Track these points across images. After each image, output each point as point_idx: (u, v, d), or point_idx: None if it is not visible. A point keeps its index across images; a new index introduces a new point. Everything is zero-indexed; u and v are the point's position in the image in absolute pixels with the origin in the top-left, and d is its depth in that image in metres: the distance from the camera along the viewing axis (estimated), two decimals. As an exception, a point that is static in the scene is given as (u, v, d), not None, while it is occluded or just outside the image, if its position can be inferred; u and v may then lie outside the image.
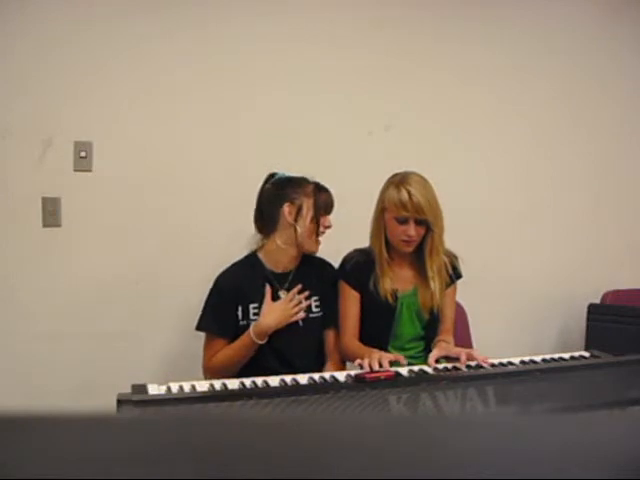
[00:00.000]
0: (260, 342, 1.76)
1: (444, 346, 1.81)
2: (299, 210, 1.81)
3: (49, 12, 2.13)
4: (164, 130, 2.26)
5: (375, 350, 1.74)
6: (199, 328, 1.84)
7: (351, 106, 2.46)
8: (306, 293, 1.84)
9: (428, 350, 1.91)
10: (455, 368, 1.71)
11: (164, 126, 2.26)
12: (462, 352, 1.71)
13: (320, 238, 1.86)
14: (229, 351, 1.79)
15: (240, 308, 1.82)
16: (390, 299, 1.86)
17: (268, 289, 1.81)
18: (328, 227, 1.86)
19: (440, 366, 1.72)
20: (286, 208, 1.81)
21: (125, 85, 2.22)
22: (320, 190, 1.86)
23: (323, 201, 1.84)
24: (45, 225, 2.16)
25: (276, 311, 1.79)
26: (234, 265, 1.90)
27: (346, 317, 1.91)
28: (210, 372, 1.81)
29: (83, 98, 2.18)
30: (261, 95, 2.35)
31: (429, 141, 2.56)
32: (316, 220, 1.82)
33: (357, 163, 2.45)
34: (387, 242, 1.88)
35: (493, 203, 2.67)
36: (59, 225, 2.17)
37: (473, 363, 1.73)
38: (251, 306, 1.82)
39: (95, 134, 2.19)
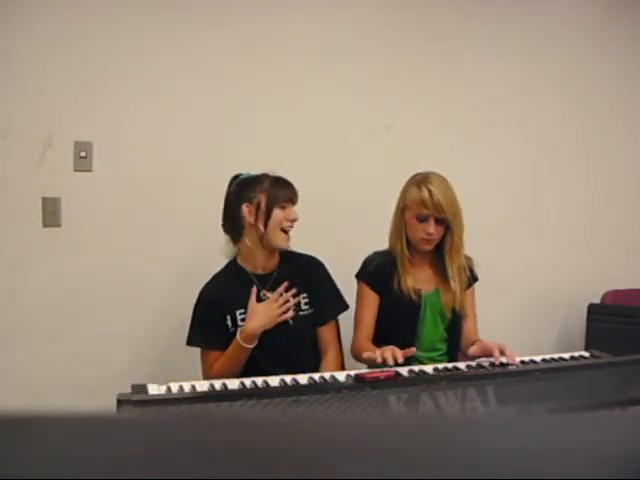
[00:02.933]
0: (249, 346, 1.74)
1: (482, 345, 1.80)
2: (257, 208, 1.79)
3: (49, 12, 2.13)
4: (164, 130, 2.26)
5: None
6: (190, 343, 1.83)
7: (351, 106, 2.46)
8: (293, 291, 1.80)
9: (450, 353, 1.93)
10: (455, 368, 1.71)
11: (164, 126, 2.26)
12: (495, 348, 1.71)
13: (288, 232, 1.81)
14: (223, 360, 1.78)
15: (229, 317, 1.81)
16: (414, 297, 1.86)
17: (253, 290, 1.78)
18: (293, 220, 1.81)
19: (440, 366, 1.73)
20: (245, 208, 1.80)
21: (125, 85, 2.22)
22: (277, 183, 1.82)
23: (280, 194, 1.80)
24: (45, 225, 2.16)
25: (260, 313, 1.76)
26: (215, 276, 1.89)
27: (362, 318, 1.91)
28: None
29: (83, 98, 2.18)
30: (261, 95, 2.35)
31: (429, 141, 2.56)
32: (268, 214, 1.78)
33: (357, 163, 2.45)
34: (407, 242, 1.89)
35: (493, 203, 2.67)
36: (59, 225, 2.17)
37: (474, 363, 1.73)
38: (237, 312, 1.81)
39: (95, 134, 2.19)
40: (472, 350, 1.78)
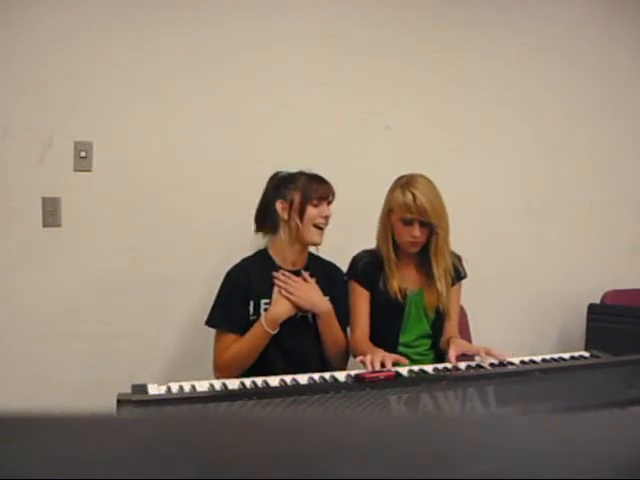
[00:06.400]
0: (272, 332, 1.77)
1: (460, 343, 1.83)
2: (291, 205, 1.83)
3: (50, 13, 2.13)
4: (164, 130, 2.26)
5: (379, 350, 1.75)
6: (209, 323, 1.83)
7: (351, 106, 2.46)
8: (314, 280, 1.85)
9: (435, 348, 1.96)
10: (455, 368, 1.71)
11: (164, 126, 2.26)
12: (480, 349, 1.73)
13: (322, 229, 1.84)
14: (241, 344, 1.79)
15: (252, 303, 1.83)
16: (399, 298, 1.90)
17: (279, 276, 1.82)
18: (326, 217, 1.84)
19: (440, 366, 1.73)
20: (279, 205, 1.84)
21: (125, 85, 2.21)
22: (312, 180, 1.85)
23: (314, 191, 1.83)
24: (45, 225, 2.16)
25: (286, 299, 1.79)
26: (245, 260, 1.91)
27: (357, 315, 1.94)
28: (221, 369, 1.79)
29: (83, 98, 2.18)
30: (261, 95, 2.35)
31: (429, 142, 2.56)
32: (301, 211, 1.81)
33: (357, 163, 2.45)
34: (394, 243, 1.92)
35: (493, 203, 2.67)
36: (59, 225, 2.17)
37: (473, 363, 1.73)
38: (262, 301, 1.82)
39: (95, 134, 2.19)
40: (450, 354, 1.75)
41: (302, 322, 1.84)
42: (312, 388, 1.51)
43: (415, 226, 1.83)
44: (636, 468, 0.26)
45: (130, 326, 2.24)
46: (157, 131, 2.25)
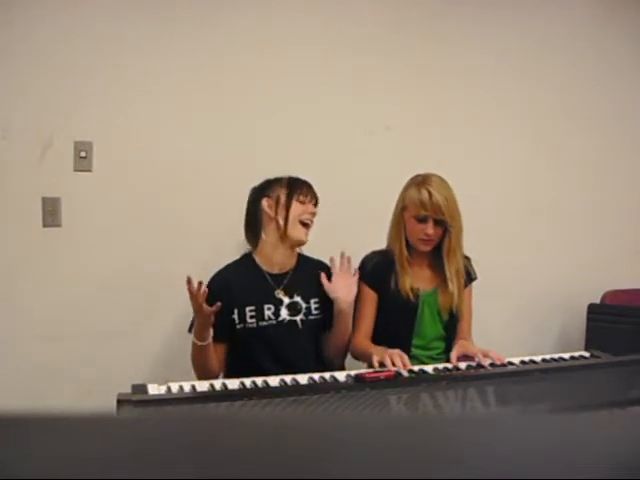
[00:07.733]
0: (201, 343, 1.71)
1: (463, 344, 1.83)
2: (277, 202, 1.83)
3: (49, 13, 2.13)
4: (164, 130, 2.26)
5: (383, 348, 1.75)
6: (191, 330, 1.81)
7: (351, 106, 2.46)
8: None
9: (449, 351, 1.93)
10: (455, 368, 1.71)
11: (164, 126, 2.26)
12: (478, 352, 1.73)
13: (308, 227, 1.85)
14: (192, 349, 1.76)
15: (236, 311, 1.81)
16: (411, 297, 1.88)
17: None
18: (312, 213, 1.86)
19: (440, 366, 1.73)
20: (264, 202, 1.85)
21: (125, 85, 2.21)
22: (296, 180, 1.88)
23: (299, 187, 1.85)
24: (45, 225, 2.16)
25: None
26: (228, 266, 1.89)
27: (361, 317, 1.92)
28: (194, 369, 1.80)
29: (83, 98, 2.18)
30: (262, 95, 2.35)
31: (429, 142, 2.56)
32: (287, 206, 1.81)
33: (358, 163, 2.45)
34: (407, 242, 1.91)
35: (493, 203, 2.67)
36: (59, 225, 2.17)
37: (473, 363, 1.73)
38: (247, 309, 1.80)
39: (95, 134, 2.19)
40: (452, 354, 1.78)
41: (292, 328, 1.83)
42: (312, 388, 1.51)
43: (429, 224, 1.82)
44: (636, 468, 0.26)
45: (130, 326, 2.24)
46: (157, 131, 2.25)
